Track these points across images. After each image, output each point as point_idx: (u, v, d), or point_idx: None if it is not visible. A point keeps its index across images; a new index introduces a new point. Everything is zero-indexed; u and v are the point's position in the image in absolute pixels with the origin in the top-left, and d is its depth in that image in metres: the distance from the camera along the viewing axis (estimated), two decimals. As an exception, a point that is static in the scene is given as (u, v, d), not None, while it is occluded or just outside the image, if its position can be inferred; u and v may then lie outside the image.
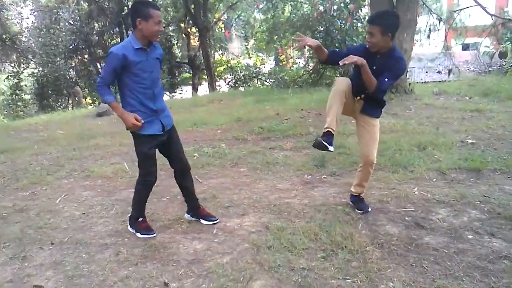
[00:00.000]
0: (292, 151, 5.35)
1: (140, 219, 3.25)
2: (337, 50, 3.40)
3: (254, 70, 19.74)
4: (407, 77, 8.80)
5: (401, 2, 8.00)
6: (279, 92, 10.91)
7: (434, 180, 4.05)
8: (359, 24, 13.25)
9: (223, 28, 22.61)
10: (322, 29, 12.92)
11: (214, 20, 20.82)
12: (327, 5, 13.07)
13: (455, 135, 5.40)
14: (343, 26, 12.78)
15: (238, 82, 18.88)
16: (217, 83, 20.72)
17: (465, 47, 17.48)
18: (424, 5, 12.37)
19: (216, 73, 21.57)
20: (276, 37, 16.32)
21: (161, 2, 20.81)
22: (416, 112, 6.86)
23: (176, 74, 22.75)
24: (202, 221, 3.38)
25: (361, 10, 13.18)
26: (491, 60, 13.84)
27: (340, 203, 3.63)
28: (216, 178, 4.52)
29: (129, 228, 3.31)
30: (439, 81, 11.65)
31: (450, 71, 11.89)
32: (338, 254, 2.77)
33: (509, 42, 12.88)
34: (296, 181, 4.25)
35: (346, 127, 6.15)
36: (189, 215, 3.47)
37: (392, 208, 3.46)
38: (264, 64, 21.26)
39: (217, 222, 3.35)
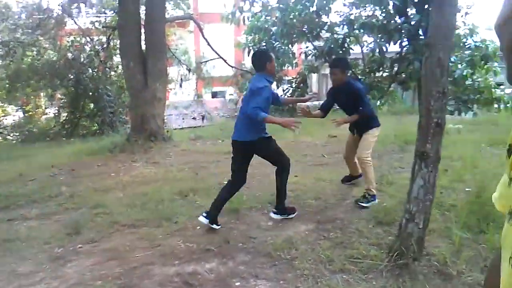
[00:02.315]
0: (38, 219, 4.47)
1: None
2: (323, 103, 4.61)
3: (-7, 123, 16.81)
4: (164, 125, 8.91)
5: (151, 53, 8.12)
6: (25, 147, 9.45)
7: (198, 228, 3.97)
8: (112, 73, 12.95)
9: None
10: (72, 77, 12.05)
11: None
12: (76, 52, 12.34)
13: (213, 178, 5.58)
14: (95, 74, 12.24)
15: (-30, 138, 15.70)
16: None
17: (214, 94, 19.39)
18: (174, 56, 13.10)
19: None
20: (19, 85, 14.38)
21: None
22: (175, 158, 6.90)
23: None
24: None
25: (112, 59, 12.97)
26: (236, 106, 15.59)
27: (99, 277, 3.10)
28: None
29: (277, 216, 4.06)
30: (195, 127, 12.37)
31: (203, 117, 12.78)
32: None
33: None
34: (43, 259, 3.48)
35: (105, 181, 5.63)
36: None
37: (157, 270, 3.15)
38: (7, 115, 18.30)
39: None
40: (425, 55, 2.82)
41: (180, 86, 13.45)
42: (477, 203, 3.74)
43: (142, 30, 8.35)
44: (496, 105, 14.18)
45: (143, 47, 8.37)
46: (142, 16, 8.45)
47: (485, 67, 13.81)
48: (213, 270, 3.13)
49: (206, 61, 13.32)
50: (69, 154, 7.45)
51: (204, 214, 3.85)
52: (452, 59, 13.75)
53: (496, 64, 14.35)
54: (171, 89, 13.39)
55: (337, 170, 5.65)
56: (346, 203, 4.40)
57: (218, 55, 12.09)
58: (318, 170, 5.73)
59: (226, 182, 5.27)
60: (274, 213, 4.08)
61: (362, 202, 4.23)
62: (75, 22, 13.50)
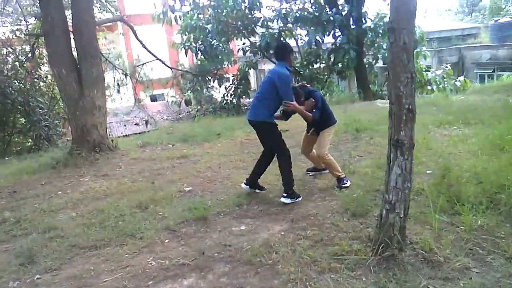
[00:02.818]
0: (-18, 252, 3.98)
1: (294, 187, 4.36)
2: None
3: None
4: (108, 133, 8.40)
5: (83, 59, 7.59)
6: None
7: (167, 241, 3.72)
8: (41, 83, 12.07)
9: None
10: (-4, 91, 11.04)
11: None
12: (-3, 64, 11.33)
13: (172, 185, 5.31)
14: (23, 86, 11.32)
15: None
16: None
17: (154, 98, 18.76)
18: (108, 61, 12.44)
19: None
20: None
21: None
22: (126, 169, 6.50)
23: None
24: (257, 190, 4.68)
25: (40, 68, 12.07)
26: (179, 108, 15.16)
27: (67, 309, 2.79)
28: None
29: (288, 201, 4.24)
30: (139, 133, 11.85)
31: (147, 122, 12.28)
32: None
33: (190, 91, 14.50)
34: (-5, 298, 3.09)
35: (52, 201, 5.16)
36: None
37: (133, 293, 2.90)
38: None
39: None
40: (389, 40, 2.77)
41: (118, 92, 12.80)
42: (443, 185, 3.83)
43: (71, 36, 7.79)
44: (429, 87, 15.00)
45: (74, 53, 7.82)
46: (69, 21, 7.88)
47: (414, 52, 14.61)
48: (192, 286, 2.92)
49: (143, 64, 12.76)
50: (6, 175, 6.76)
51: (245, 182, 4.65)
52: (384, 46, 14.32)
53: (424, 48, 15.14)
54: (108, 96, 12.71)
55: (297, 164, 5.57)
56: (315, 198, 4.35)
57: (155, 56, 11.66)
58: (278, 167, 5.63)
59: (187, 189, 5.12)
60: (284, 197, 4.28)
61: (340, 186, 4.49)
62: (-7, 33, 12.40)
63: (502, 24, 22.45)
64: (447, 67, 14.69)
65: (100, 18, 13.43)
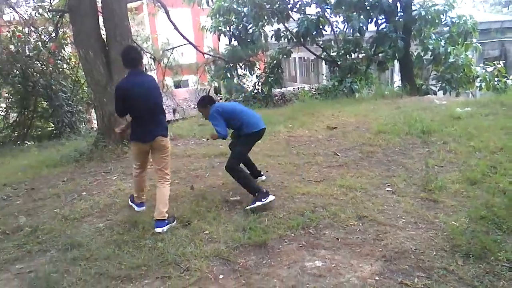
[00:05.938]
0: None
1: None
2: None
3: None
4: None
5: (113, 40, 6.79)
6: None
7: (222, 277, 2.88)
8: (64, 65, 11.35)
9: None
10: (17, 72, 10.36)
11: None
12: (19, 44, 10.60)
13: (215, 193, 4.47)
14: (45, 68, 10.62)
15: None
16: None
17: (178, 84, 17.87)
18: (136, 44, 11.65)
19: None
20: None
21: None
22: (159, 166, 5.68)
23: None
24: None
25: (64, 49, 11.32)
26: (209, 96, 14.27)
27: None
28: None
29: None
30: (168, 122, 11.03)
31: (174, 110, 11.48)
32: None
33: (221, 78, 13.58)
34: None
35: (75, 204, 4.38)
36: None
37: None
38: None
39: None
40: None
41: (146, 77, 11.97)
42: None
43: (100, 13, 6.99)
44: (476, 84, 13.73)
45: (102, 33, 7.02)
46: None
47: (464, 43, 13.31)
48: None
49: (173, 48, 11.93)
50: (25, 167, 6.04)
51: None
52: (433, 36, 13.07)
53: (475, 40, 13.86)
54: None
55: (363, 173, 4.69)
56: (403, 223, 3.43)
57: (188, 40, 10.82)
58: (339, 174, 4.74)
59: (234, 198, 4.28)
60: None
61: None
62: (15, 10, 11.65)
63: (551, 17, 20.82)
64: (499, 63, 13.41)
65: (129, -4, 12.60)
